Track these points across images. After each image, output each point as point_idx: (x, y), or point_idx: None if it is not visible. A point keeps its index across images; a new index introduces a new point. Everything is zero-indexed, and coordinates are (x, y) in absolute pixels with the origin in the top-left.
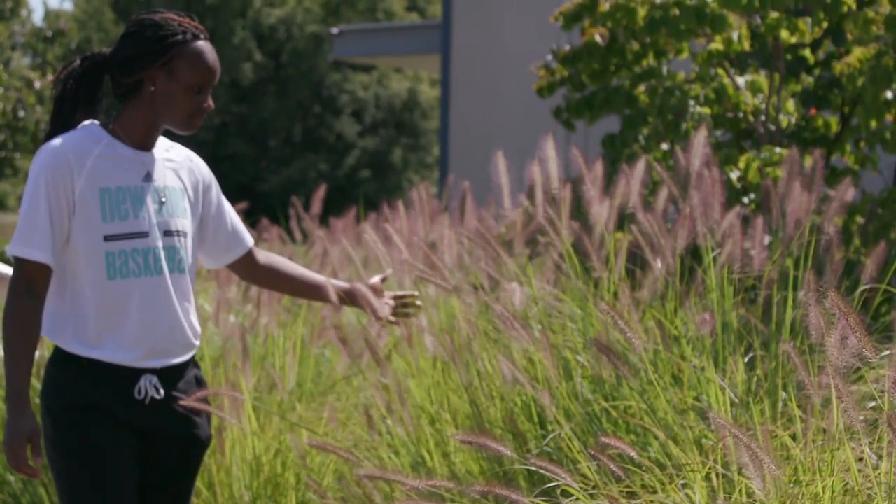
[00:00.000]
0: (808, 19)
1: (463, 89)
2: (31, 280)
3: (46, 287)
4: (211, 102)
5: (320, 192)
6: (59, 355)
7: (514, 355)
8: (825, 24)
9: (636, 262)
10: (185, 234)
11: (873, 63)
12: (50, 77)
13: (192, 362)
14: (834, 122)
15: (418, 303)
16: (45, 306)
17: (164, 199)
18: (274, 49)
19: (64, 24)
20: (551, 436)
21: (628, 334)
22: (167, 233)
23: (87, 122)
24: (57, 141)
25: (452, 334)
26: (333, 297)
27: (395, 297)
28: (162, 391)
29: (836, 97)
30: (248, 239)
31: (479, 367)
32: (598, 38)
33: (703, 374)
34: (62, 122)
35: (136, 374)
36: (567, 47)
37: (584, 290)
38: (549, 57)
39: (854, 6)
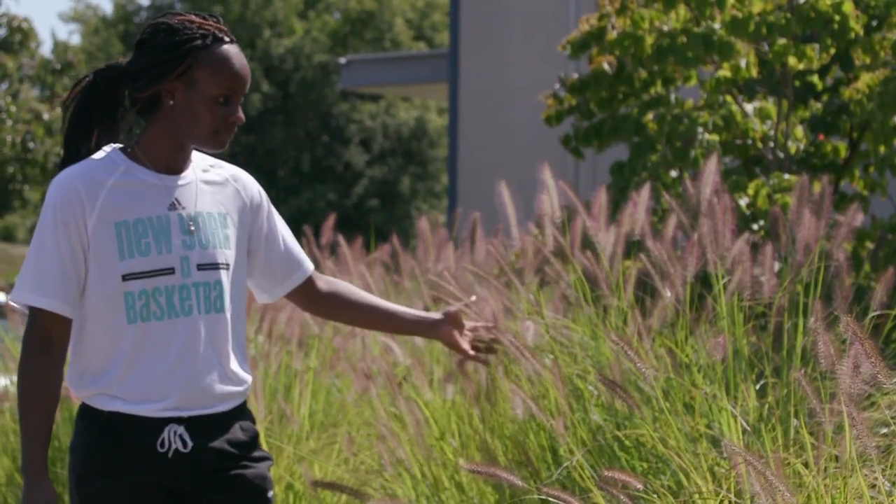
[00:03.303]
0: (816, 46)
1: (471, 118)
2: (47, 332)
3: (65, 340)
4: (241, 115)
5: (330, 222)
6: (83, 408)
7: (525, 384)
8: (833, 51)
9: (646, 290)
10: (224, 267)
11: (881, 88)
12: (59, 109)
13: (239, 412)
14: (843, 148)
15: (494, 336)
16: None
17: (192, 228)
18: (282, 79)
19: (72, 57)
20: (564, 466)
21: (638, 364)
22: (202, 266)
23: (106, 148)
24: (67, 172)
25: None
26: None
27: (473, 329)
28: (190, 443)
29: (845, 123)
30: (308, 264)
31: (493, 397)
32: (605, 67)
33: (715, 402)
34: (76, 146)
35: (161, 424)
36: (575, 76)
37: (594, 318)
38: (557, 85)
39: (862, 32)
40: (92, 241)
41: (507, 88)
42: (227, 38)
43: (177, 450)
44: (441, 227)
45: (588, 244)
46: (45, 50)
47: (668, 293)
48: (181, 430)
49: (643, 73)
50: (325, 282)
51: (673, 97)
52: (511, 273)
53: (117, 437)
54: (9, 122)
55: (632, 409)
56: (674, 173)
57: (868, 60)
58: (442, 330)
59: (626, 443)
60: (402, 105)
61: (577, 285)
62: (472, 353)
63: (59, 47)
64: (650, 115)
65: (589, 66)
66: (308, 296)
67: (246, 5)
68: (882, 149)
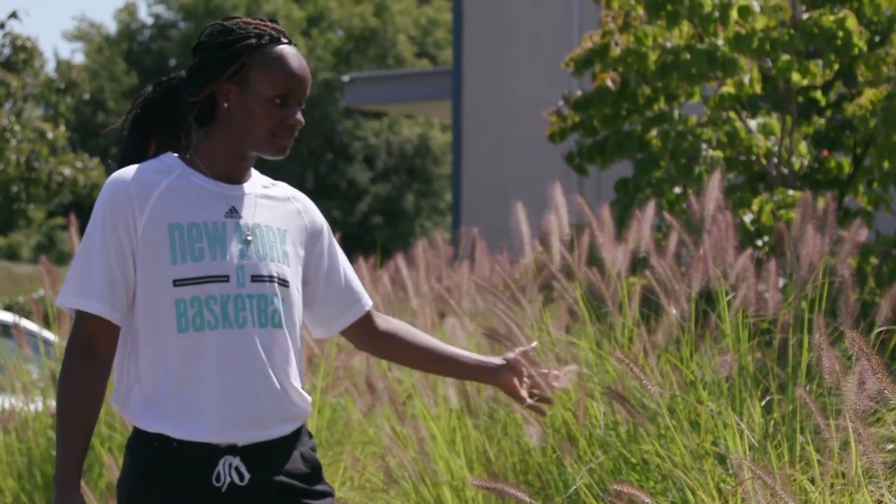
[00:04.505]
0: (820, 62)
1: (474, 135)
2: (91, 338)
3: (111, 347)
4: (300, 117)
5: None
6: (131, 440)
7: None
8: (836, 67)
9: (650, 307)
10: (283, 282)
11: (885, 104)
12: (63, 128)
13: (298, 438)
14: (846, 164)
15: (556, 383)
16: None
17: (249, 238)
18: None
19: (76, 76)
20: (574, 487)
21: (644, 381)
22: (257, 278)
23: (163, 156)
24: (119, 173)
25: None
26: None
27: (531, 377)
28: (247, 475)
29: (848, 139)
30: (366, 299)
31: (498, 415)
32: (609, 83)
33: (721, 419)
34: (131, 156)
35: (215, 455)
36: (578, 93)
37: (599, 335)
38: (561, 102)
39: (865, 48)
40: (142, 244)
41: (510, 105)
42: (283, 39)
43: (232, 483)
44: (446, 243)
45: (594, 261)
46: (49, 69)
47: (672, 310)
48: (237, 461)
49: (647, 90)
50: (384, 320)
51: (676, 114)
52: (517, 289)
53: (166, 474)
54: (13, 142)
55: (637, 425)
56: (678, 189)
57: (871, 76)
58: (503, 377)
59: (633, 460)
60: (406, 122)
61: (582, 302)
62: (530, 401)
63: (63, 66)
64: (654, 132)
65: (592, 82)
66: (365, 332)
67: None
68: (886, 164)
